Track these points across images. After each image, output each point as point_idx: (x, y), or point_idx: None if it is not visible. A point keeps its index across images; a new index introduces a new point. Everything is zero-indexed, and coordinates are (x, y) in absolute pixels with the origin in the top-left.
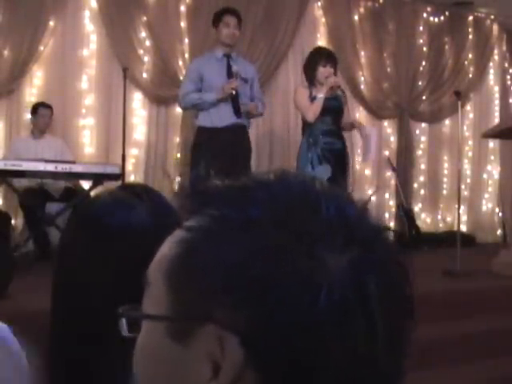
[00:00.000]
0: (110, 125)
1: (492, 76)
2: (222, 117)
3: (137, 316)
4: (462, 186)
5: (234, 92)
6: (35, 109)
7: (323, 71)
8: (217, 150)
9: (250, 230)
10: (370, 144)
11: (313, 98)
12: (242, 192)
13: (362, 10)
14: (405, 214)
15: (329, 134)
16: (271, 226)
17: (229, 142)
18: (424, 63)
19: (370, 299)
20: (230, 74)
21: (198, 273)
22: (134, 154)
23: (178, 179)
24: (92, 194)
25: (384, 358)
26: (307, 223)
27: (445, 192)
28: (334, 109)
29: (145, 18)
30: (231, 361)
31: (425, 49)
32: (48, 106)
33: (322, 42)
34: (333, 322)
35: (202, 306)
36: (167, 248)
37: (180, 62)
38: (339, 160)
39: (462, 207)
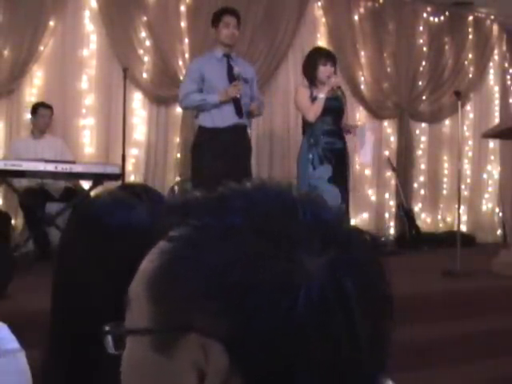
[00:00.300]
0: (109, 125)
1: (492, 76)
2: (223, 117)
3: (120, 332)
4: (462, 186)
5: (238, 95)
6: (35, 109)
7: (324, 70)
8: (218, 150)
9: (229, 237)
10: (363, 143)
11: (314, 98)
12: (221, 201)
13: (361, 10)
14: (405, 213)
15: (330, 133)
16: (250, 233)
17: (230, 142)
18: (424, 63)
19: (350, 300)
20: (230, 74)
21: (179, 282)
22: (134, 154)
23: (177, 179)
24: (92, 193)
25: (366, 358)
26: (285, 228)
27: (445, 192)
28: (334, 109)
29: (145, 18)
30: (216, 368)
31: (425, 49)
32: (48, 106)
33: (322, 41)
34: (313, 325)
35: (183, 316)
36: (148, 261)
37: (180, 62)
38: (340, 160)
39: (462, 207)
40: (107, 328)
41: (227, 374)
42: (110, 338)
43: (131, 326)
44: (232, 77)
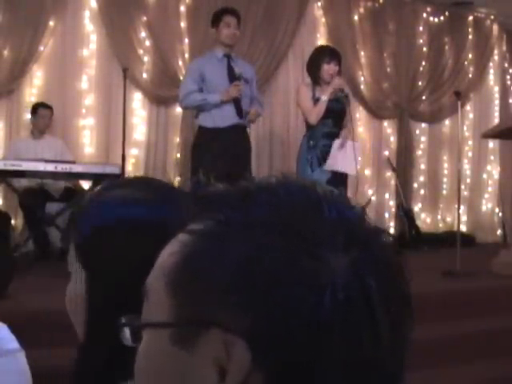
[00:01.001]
0: (109, 125)
1: (492, 76)
2: (224, 117)
3: (140, 325)
4: (462, 186)
5: (239, 95)
6: (35, 109)
7: (327, 69)
8: (218, 150)
9: (253, 232)
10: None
11: (316, 100)
12: (245, 195)
13: (361, 10)
14: (405, 213)
15: (329, 136)
16: (275, 228)
17: (230, 143)
18: (424, 63)
19: (373, 299)
20: (230, 74)
21: (201, 276)
22: (134, 154)
23: (178, 179)
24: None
25: (388, 357)
26: (310, 225)
27: (445, 192)
28: (335, 111)
29: (145, 18)
30: (238, 364)
31: (425, 49)
32: (48, 107)
33: (321, 41)
34: (338, 322)
35: (205, 310)
36: (167, 254)
37: (180, 62)
38: None
39: (462, 207)
40: (124, 320)
41: (248, 370)
42: (127, 331)
43: (150, 319)
44: (233, 77)
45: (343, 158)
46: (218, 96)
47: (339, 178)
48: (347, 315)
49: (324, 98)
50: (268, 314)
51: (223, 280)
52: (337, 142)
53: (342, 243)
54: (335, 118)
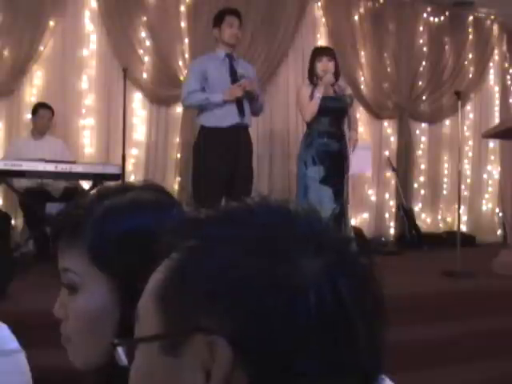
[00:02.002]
0: (110, 125)
1: (492, 76)
2: (226, 117)
3: (130, 342)
4: (462, 186)
5: (242, 96)
6: (35, 109)
7: (320, 65)
8: (220, 149)
9: (231, 245)
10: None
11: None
12: (225, 215)
13: (361, 10)
14: (405, 213)
15: (325, 135)
16: (250, 242)
17: (232, 142)
18: (424, 63)
19: (346, 300)
20: (233, 74)
21: (184, 287)
22: (134, 154)
23: (178, 179)
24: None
25: (364, 357)
26: (282, 237)
27: (445, 192)
28: (333, 110)
29: (145, 18)
30: (220, 363)
31: (425, 49)
32: (48, 107)
33: (322, 42)
34: (313, 324)
35: (189, 318)
36: (156, 276)
37: (180, 62)
38: (336, 161)
39: (462, 207)
40: (116, 341)
41: (230, 368)
42: (120, 351)
43: (140, 335)
44: (235, 76)
45: (355, 160)
46: (221, 96)
47: (337, 176)
48: (321, 317)
49: (318, 95)
50: (246, 316)
51: (204, 288)
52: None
53: (313, 250)
54: (332, 117)
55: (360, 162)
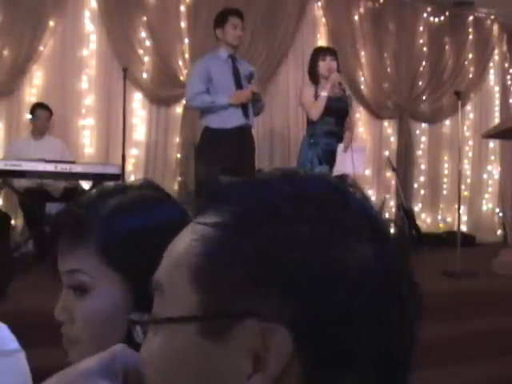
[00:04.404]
0: (109, 125)
1: (492, 76)
2: (231, 118)
3: (160, 320)
4: (462, 186)
5: (248, 101)
6: (33, 110)
7: (323, 64)
8: (225, 151)
9: (280, 222)
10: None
11: (318, 97)
12: (265, 186)
13: (361, 10)
14: (405, 214)
15: (330, 135)
16: (302, 219)
17: (237, 143)
18: (424, 63)
19: (401, 288)
20: (236, 75)
21: (233, 269)
22: (134, 154)
23: (178, 179)
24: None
25: (412, 344)
26: (337, 216)
27: (445, 192)
28: (337, 110)
29: (145, 18)
30: (278, 352)
31: (425, 49)
32: (45, 108)
33: (322, 41)
34: (369, 310)
35: (240, 302)
36: (185, 247)
37: (180, 62)
38: (334, 161)
39: (462, 207)
40: (137, 317)
41: (290, 357)
42: (138, 328)
43: (168, 314)
44: (238, 78)
45: (350, 161)
46: (227, 99)
47: (340, 177)
48: (378, 303)
49: (324, 93)
50: (305, 303)
51: (259, 268)
52: (341, 147)
53: (367, 235)
54: (336, 117)
55: (355, 163)
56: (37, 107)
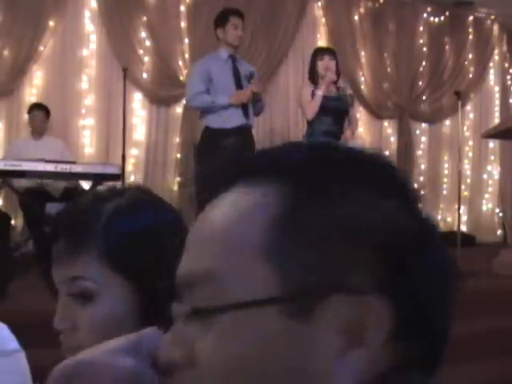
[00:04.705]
0: (109, 125)
1: (492, 76)
2: (231, 118)
3: (238, 306)
4: (462, 186)
5: (248, 101)
6: (30, 110)
7: (321, 64)
8: (225, 150)
9: (349, 188)
10: None
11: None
12: (325, 153)
13: (361, 10)
14: None
15: (327, 134)
16: (379, 180)
17: (238, 143)
18: (424, 63)
19: (445, 247)
20: (236, 75)
21: (317, 240)
22: (134, 154)
23: (177, 179)
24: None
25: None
26: (404, 184)
27: (445, 192)
28: (334, 109)
29: (145, 18)
30: (376, 324)
31: (425, 49)
32: (42, 108)
33: (322, 42)
34: (442, 269)
35: (327, 275)
36: (243, 224)
37: (180, 62)
38: None
39: (462, 207)
40: (190, 307)
41: (389, 331)
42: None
43: (233, 300)
44: (238, 78)
45: None
46: (227, 99)
47: None
48: (445, 277)
49: (319, 93)
50: (394, 269)
51: (346, 240)
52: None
53: (417, 201)
54: (334, 117)
55: None
56: (33, 107)
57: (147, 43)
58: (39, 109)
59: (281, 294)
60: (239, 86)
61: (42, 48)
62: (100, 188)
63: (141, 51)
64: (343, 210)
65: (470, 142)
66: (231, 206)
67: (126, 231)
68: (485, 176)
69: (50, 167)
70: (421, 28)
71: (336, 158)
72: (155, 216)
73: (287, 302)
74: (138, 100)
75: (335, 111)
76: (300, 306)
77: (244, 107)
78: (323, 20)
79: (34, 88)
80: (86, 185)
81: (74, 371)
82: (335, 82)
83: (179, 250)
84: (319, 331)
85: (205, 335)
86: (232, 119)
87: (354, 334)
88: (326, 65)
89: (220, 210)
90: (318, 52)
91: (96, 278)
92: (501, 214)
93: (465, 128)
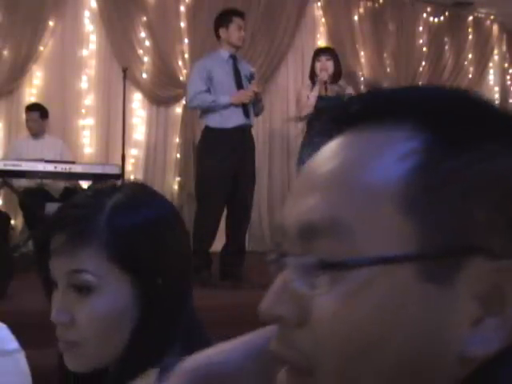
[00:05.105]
0: (109, 125)
1: (492, 76)
2: (232, 118)
3: (370, 259)
4: None
5: (249, 101)
6: (26, 111)
7: (319, 65)
8: (226, 150)
9: (503, 150)
10: None
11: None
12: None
13: (361, 10)
14: None
15: None
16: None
17: (238, 143)
18: (424, 63)
19: None
20: (237, 75)
21: (465, 195)
22: (134, 155)
23: (177, 179)
24: None
25: None
26: None
27: None
28: (328, 110)
29: (145, 18)
30: None
31: (425, 49)
32: (37, 109)
33: (321, 42)
34: None
35: (470, 236)
36: (379, 170)
37: (180, 62)
38: None
39: None
40: (315, 259)
41: None
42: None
43: (369, 255)
44: (239, 78)
45: None
46: (228, 98)
47: None
48: None
49: (313, 93)
50: None
51: (489, 198)
52: None
53: None
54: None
55: None
56: (27, 109)
57: (147, 43)
58: (33, 110)
59: (420, 252)
60: (240, 85)
61: (41, 48)
62: (100, 184)
63: (141, 51)
64: (491, 167)
65: None
66: (362, 150)
67: (128, 224)
68: None
69: (49, 167)
70: (420, 28)
71: (482, 107)
72: (155, 209)
73: (426, 262)
74: (137, 100)
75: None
76: (439, 267)
77: (244, 107)
78: (323, 20)
79: (33, 88)
80: (85, 185)
81: (206, 373)
82: (335, 82)
83: (177, 244)
84: (456, 296)
85: (327, 291)
86: (233, 119)
87: (492, 301)
88: (323, 64)
89: (348, 152)
90: (316, 53)
91: (97, 271)
92: None
93: None
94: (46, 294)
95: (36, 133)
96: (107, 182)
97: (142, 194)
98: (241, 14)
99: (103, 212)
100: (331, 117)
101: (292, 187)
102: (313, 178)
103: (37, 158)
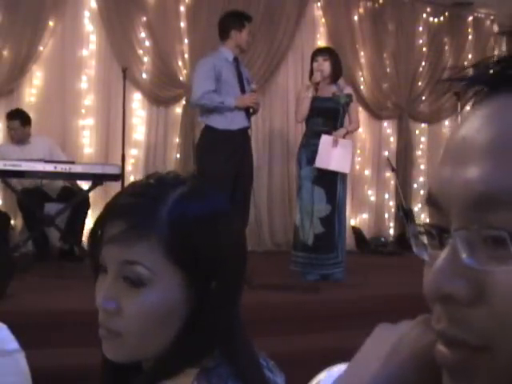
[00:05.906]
0: (109, 125)
1: None
2: (236, 120)
3: None
4: None
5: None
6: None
7: (316, 66)
8: (229, 152)
9: None
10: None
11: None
12: None
13: (361, 10)
14: (404, 214)
15: (318, 135)
16: None
17: (239, 145)
18: (424, 63)
19: None
20: (240, 77)
21: None
22: (134, 155)
23: None
24: (91, 194)
25: None
26: None
27: None
28: (324, 110)
29: (145, 18)
30: None
31: (425, 49)
32: (17, 117)
33: (321, 42)
34: None
35: None
36: None
37: (180, 63)
38: None
39: None
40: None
41: None
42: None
43: None
44: (241, 81)
45: (336, 157)
46: (233, 101)
47: (328, 176)
48: None
49: (308, 95)
50: None
51: None
52: (324, 138)
53: None
54: (325, 117)
55: (339, 160)
56: (7, 117)
57: (147, 43)
58: (13, 118)
59: None
60: (242, 88)
61: (41, 48)
62: (162, 173)
63: (140, 51)
64: None
65: None
66: None
67: (190, 221)
68: None
69: (49, 167)
70: (420, 28)
71: None
72: (217, 206)
73: None
74: (137, 100)
75: (325, 112)
76: None
77: (246, 110)
78: (323, 20)
79: (33, 88)
80: (85, 185)
81: None
82: (334, 82)
83: (235, 244)
84: None
85: (508, 265)
86: (237, 121)
87: None
88: (319, 65)
89: None
90: (314, 53)
91: (152, 266)
92: None
93: None
94: (93, 277)
95: (18, 140)
96: (169, 172)
97: (206, 189)
98: (251, 20)
99: (165, 203)
100: (484, 80)
101: (444, 156)
102: (476, 145)
103: (37, 158)
